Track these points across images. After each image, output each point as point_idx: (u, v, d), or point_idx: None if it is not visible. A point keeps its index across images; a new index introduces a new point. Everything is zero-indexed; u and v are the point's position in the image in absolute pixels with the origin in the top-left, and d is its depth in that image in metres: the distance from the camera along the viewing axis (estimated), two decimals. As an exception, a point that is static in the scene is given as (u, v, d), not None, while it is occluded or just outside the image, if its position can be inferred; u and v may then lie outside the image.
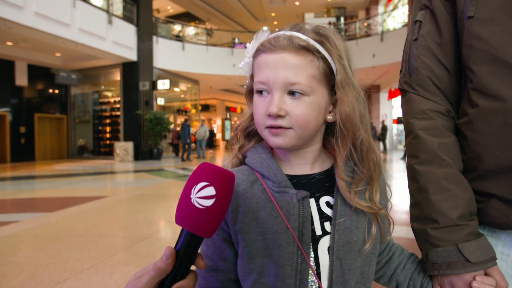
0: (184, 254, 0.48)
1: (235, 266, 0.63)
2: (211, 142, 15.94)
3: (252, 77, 0.66)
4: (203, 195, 0.47)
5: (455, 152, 0.66)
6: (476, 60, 0.62)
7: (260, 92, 0.61)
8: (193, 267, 0.50)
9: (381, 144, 16.01)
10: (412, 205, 0.69)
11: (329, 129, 0.68)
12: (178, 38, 14.76)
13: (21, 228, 3.80)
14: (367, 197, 0.63)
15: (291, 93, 0.58)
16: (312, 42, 0.59)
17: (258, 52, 0.62)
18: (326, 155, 0.70)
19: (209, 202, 0.47)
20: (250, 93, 0.69)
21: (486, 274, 0.60)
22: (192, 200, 0.47)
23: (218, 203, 0.48)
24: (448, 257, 0.61)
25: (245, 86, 0.70)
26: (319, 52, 0.59)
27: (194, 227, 0.47)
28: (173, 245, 0.49)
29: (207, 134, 13.90)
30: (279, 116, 0.58)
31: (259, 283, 0.60)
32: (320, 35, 0.61)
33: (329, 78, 0.61)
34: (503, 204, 0.60)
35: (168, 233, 3.68)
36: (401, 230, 3.23)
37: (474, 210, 0.64)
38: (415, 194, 0.68)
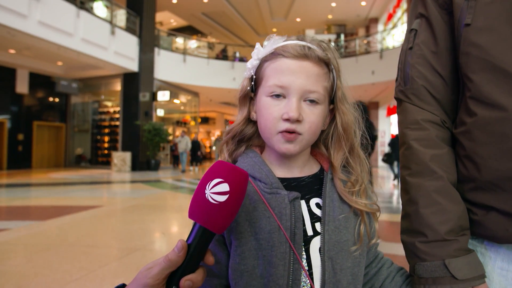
0: (195, 248, 0.48)
1: (227, 270, 0.62)
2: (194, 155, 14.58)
3: (252, 79, 0.67)
4: (218, 191, 0.48)
5: (449, 163, 0.65)
6: (473, 68, 0.61)
7: (275, 95, 0.61)
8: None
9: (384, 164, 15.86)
10: (402, 217, 0.68)
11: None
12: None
13: (12, 236, 3.72)
14: (364, 197, 0.66)
15: (307, 100, 0.61)
16: (330, 55, 0.63)
17: (276, 56, 0.62)
18: (313, 160, 0.73)
19: (222, 198, 0.48)
20: (245, 97, 0.69)
21: None
22: (206, 195, 0.48)
23: (231, 199, 0.48)
24: (435, 272, 0.59)
25: (242, 91, 0.69)
26: (332, 66, 0.64)
27: (207, 221, 0.48)
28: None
29: (189, 146, 13.34)
30: (297, 121, 0.59)
31: (250, 285, 0.58)
32: (323, 49, 0.64)
33: (330, 92, 0.66)
34: (502, 217, 0.57)
35: (162, 245, 3.61)
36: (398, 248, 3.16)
37: (465, 225, 0.62)
38: (406, 206, 0.67)
